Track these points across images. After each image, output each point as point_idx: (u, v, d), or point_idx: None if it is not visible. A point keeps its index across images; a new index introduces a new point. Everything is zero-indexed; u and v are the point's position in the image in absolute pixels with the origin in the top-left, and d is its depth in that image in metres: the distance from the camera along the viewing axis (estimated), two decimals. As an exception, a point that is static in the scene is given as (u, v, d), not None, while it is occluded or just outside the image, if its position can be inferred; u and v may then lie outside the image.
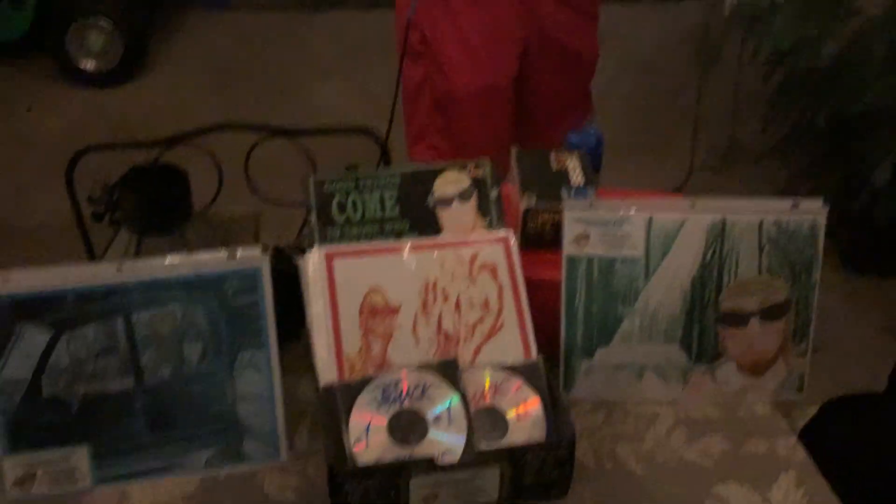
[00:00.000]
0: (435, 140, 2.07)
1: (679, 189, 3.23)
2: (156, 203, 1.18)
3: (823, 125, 2.49)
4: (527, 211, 1.32)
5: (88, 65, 3.81)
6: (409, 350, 1.18)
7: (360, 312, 1.18)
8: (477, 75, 1.94)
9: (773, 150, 2.85)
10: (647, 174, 3.39)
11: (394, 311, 1.19)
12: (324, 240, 1.23)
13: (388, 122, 2.16)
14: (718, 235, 1.23)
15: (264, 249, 1.12)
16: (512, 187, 1.39)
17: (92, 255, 1.53)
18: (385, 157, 1.75)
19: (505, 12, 1.92)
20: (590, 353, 1.25)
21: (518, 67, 1.99)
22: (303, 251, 1.24)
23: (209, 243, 1.17)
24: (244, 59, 4.05)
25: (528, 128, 2.15)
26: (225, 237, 1.26)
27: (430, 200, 1.27)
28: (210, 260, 1.12)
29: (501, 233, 1.25)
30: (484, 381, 1.15)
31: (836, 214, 1.26)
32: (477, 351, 1.19)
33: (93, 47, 3.78)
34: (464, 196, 1.27)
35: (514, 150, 1.43)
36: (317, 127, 1.75)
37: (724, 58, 3.14)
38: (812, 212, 1.23)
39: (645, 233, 1.23)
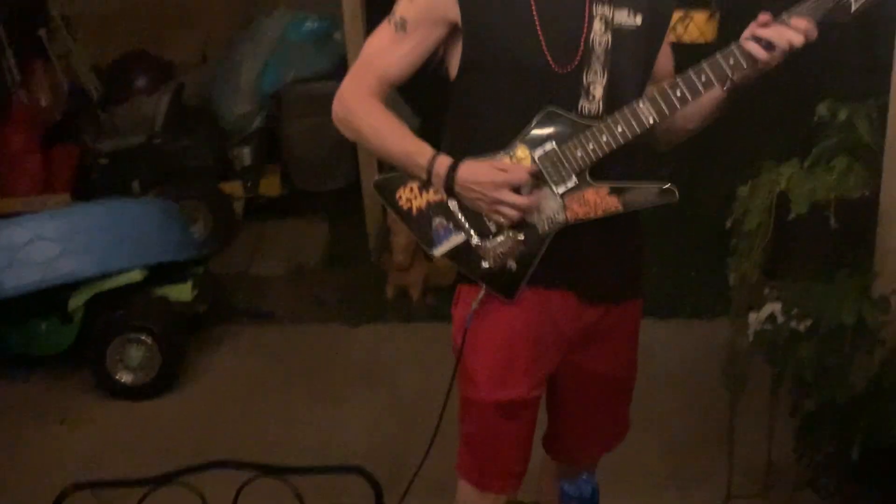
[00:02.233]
0: (461, 448, 2.05)
1: (718, 519, 3.06)
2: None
3: (856, 458, 2.37)
4: (509, 577, 1.23)
5: (125, 378, 3.89)
6: None
7: None
8: (496, 388, 1.94)
9: (809, 481, 2.71)
10: (683, 502, 3.24)
11: None
12: None
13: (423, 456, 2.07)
14: None
15: None
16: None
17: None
18: (379, 501, 1.69)
19: (546, 330, 1.93)
20: None
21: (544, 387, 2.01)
22: None
23: None
24: (278, 372, 4.10)
25: (560, 441, 2.18)
26: None
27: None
28: None
29: None
30: None
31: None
32: None
33: (131, 361, 3.88)
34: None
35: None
36: (308, 466, 1.71)
37: (754, 378, 3.08)
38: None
39: None
